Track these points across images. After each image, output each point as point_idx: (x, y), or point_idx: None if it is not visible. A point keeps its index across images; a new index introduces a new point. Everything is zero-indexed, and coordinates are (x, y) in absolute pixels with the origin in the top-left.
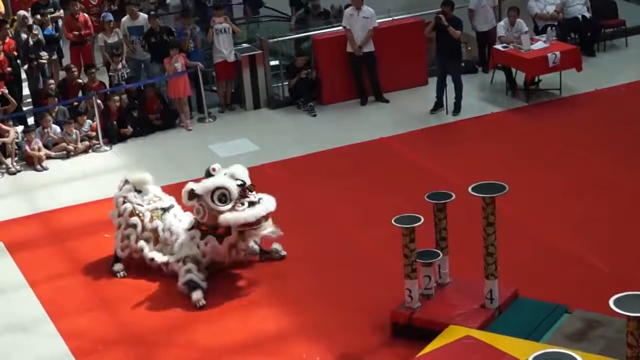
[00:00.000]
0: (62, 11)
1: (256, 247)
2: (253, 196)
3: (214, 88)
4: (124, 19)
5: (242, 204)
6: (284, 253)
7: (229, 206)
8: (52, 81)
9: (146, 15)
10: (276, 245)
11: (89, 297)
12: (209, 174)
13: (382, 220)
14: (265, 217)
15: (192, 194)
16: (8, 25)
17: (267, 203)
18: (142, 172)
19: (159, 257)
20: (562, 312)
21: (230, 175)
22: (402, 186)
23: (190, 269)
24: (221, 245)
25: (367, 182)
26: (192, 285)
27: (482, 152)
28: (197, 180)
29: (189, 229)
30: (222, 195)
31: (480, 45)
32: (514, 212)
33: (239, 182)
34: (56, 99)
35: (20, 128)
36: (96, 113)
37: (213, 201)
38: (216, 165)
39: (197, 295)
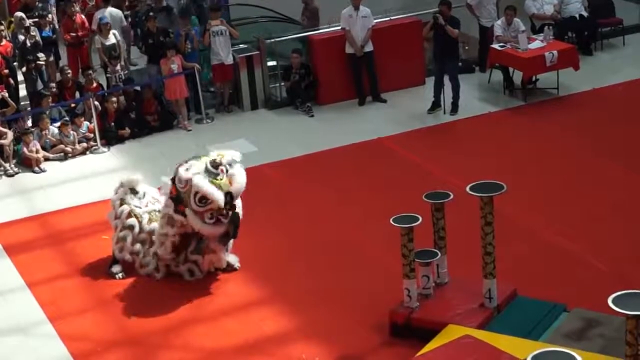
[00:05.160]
0: (50, 16)
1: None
2: (225, 216)
3: (212, 89)
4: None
5: (212, 217)
6: (237, 266)
7: (202, 209)
8: (53, 84)
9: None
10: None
11: (87, 299)
12: (215, 166)
13: (380, 220)
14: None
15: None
16: (3, 27)
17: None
18: (132, 173)
19: (152, 265)
20: (560, 311)
21: (230, 177)
22: (400, 186)
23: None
24: (176, 216)
25: (366, 182)
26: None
27: (479, 151)
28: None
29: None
30: (204, 199)
31: (482, 43)
32: (512, 211)
33: (227, 199)
34: (50, 99)
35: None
36: (94, 115)
37: (195, 198)
38: (224, 168)
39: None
